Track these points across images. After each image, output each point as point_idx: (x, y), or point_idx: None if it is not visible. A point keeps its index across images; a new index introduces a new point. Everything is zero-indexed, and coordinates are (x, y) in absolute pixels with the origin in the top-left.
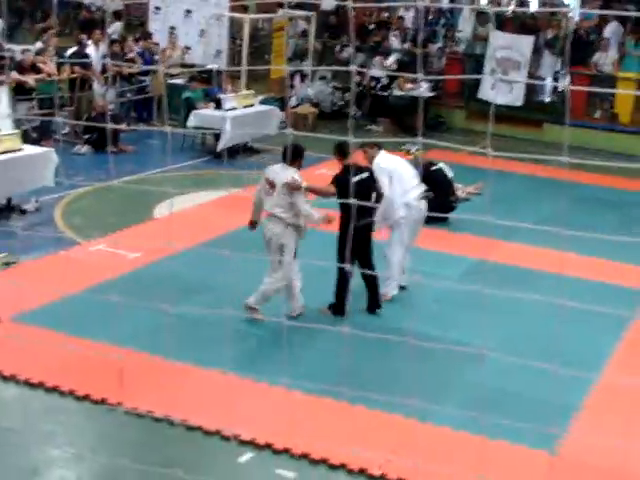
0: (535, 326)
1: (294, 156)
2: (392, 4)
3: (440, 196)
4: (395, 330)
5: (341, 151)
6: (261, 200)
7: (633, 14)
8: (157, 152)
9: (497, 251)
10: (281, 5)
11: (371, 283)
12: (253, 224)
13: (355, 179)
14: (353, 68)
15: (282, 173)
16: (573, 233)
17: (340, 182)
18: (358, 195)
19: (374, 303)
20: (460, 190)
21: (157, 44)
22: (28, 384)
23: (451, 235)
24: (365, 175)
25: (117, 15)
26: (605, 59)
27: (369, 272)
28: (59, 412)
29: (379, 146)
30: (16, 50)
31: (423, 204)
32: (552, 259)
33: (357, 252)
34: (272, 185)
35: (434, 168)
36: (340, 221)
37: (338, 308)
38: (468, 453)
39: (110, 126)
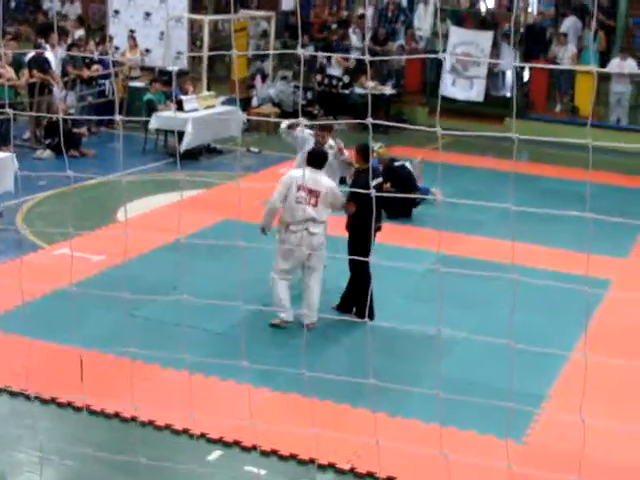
0: (502, 318)
1: (323, 161)
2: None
3: (403, 192)
4: (362, 325)
5: (365, 154)
6: (277, 208)
7: None
8: (118, 155)
9: (461, 245)
10: (242, 5)
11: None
12: (265, 230)
13: (373, 184)
14: (300, 51)
15: (322, 180)
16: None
17: (360, 186)
18: (376, 198)
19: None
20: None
21: (117, 48)
22: None
23: (415, 230)
24: (380, 180)
25: (80, 20)
26: (564, 52)
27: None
28: (25, 416)
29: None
30: None
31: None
32: (517, 251)
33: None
34: (315, 194)
35: (397, 164)
36: (354, 225)
37: (369, 311)
38: (436, 444)
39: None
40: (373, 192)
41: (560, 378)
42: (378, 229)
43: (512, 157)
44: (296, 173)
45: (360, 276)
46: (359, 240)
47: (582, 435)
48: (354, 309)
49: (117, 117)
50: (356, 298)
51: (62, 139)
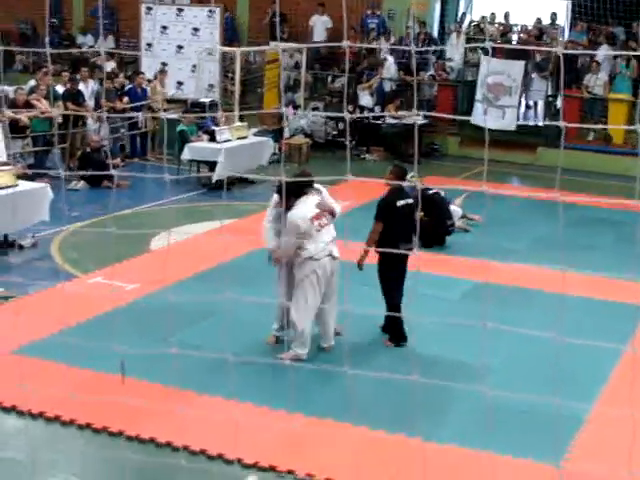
0: (537, 345)
1: (302, 187)
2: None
3: (438, 220)
4: (397, 351)
5: (398, 174)
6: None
7: None
8: (152, 186)
9: (496, 273)
10: (272, 38)
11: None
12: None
13: (402, 203)
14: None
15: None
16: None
17: (388, 205)
18: (402, 219)
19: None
20: (461, 220)
21: (150, 81)
22: (29, 414)
23: (450, 258)
24: (410, 201)
25: (110, 54)
26: (596, 81)
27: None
28: (61, 441)
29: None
30: (9, 90)
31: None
32: (550, 278)
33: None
34: (323, 214)
35: (431, 192)
36: (382, 245)
37: (399, 336)
38: (474, 470)
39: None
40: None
41: (598, 403)
42: (409, 250)
43: (543, 185)
44: (298, 212)
45: (388, 300)
46: (386, 262)
47: (619, 461)
48: (387, 335)
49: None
50: (388, 323)
51: (102, 170)
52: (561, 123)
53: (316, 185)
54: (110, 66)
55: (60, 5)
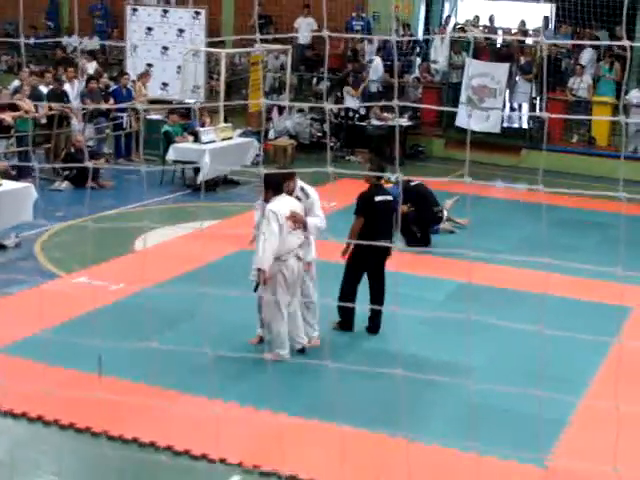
0: (521, 344)
1: (281, 184)
2: (366, 37)
3: (425, 209)
4: (384, 352)
5: (379, 169)
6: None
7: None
8: (136, 187)
9: (480, 273)
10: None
11: (379, 305)
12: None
13: (380, 199)
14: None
15: (293, 203)
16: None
17: (366, 200)
18: (384, 213)
19: (377, 325)
20: (447, 222)
21: (134, 82)
22: (11, 414)
23: (434, 259)
24: (389, 197)
25: (92, 54)
26: (580, 84)
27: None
28: (43, 441)
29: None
30: None
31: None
32: (534, 279)
33: (373, 274)
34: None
35: (414, 183)
36: (359, 237)
37: (346, 323)
38: (458, 470)
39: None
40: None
41: (581, 404)
42: (387, 248)
43: (527, 188)
44: (275, 207)
45: (344, 288)
46: (359, 255)
47: (604, 459)
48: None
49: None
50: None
51: (86, 171)
52: (544, 114)
53: (306, 187)
54: (92, 67)
55: (58, 7)
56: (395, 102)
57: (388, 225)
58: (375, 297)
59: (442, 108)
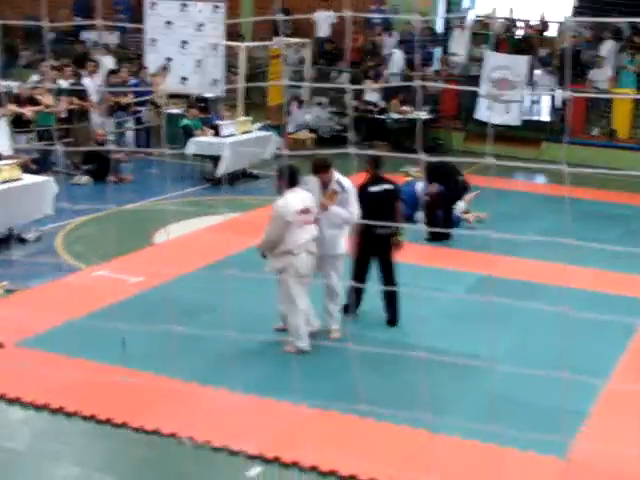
0: (541, 337)
1: (297, 178)
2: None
3: (452, 183)
4: (403, 344)
5: (377, 162)
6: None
7: None
8: (156, 181)
9: (500, 266)
10: (277, 33)
11: (391, 297)
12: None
13: (376, 189)
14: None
15: (306, 196)
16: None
17: (360, 190)
18: (381, 203)
19: (393, 317)
20: (470, 214)
21: (153, 76)
22: (33, 406)
23: (454, 252)
24: (389, 186)
25: (107, 48)
26: (600, 76)
27: (390, 287)
28: (65, 433)
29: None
30: (13, 86)
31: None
32: (555, 272)
33: (380, 264)
34: (310, 212)
35: (437, 162)
36: (359, 228)
37: (348, 307)
38: (479, 461)
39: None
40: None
41: (602, 396)
42: (393, 236)
43: (547, 181)
44: (286, 202)
45: (355, 275)
46: (360, 247)
47: (625, 452)
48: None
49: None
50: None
51: (107, 164)
52: (567, 93)
53: (342, 179)
54: (108, 61)
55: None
56: (418, 82)
57: (385, 215)
58: (385, 287)
59: (467, 88)
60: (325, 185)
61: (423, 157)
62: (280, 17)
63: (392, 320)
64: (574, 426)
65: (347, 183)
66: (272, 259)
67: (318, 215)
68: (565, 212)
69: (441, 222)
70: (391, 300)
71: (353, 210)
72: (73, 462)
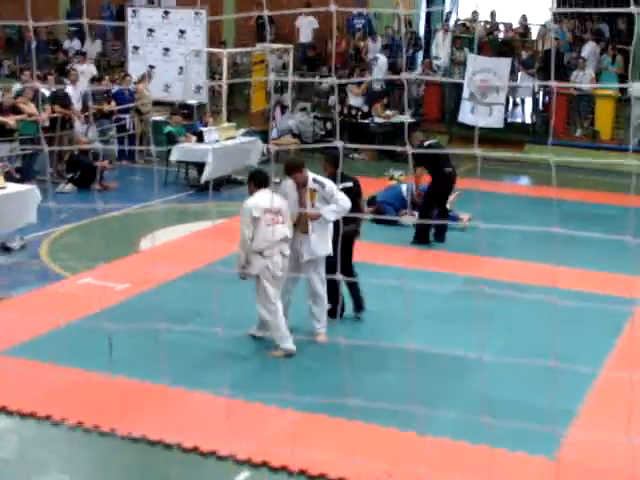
0: (528, 337)
1: (267, 179)
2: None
3: (439, 169)
4: (390, 348)
5: (334, 162)
6: (249, 240)
7: None
8: (140, 188)
9: (486, 267)
10: (260, 40)
11: (354, 287)
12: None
13: (339, 187)
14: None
15: (276, 198)
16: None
17: None
18: None
19: (358, 302)
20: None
21: (136, 83)
22: (19, 414)
23: (439, 254)
24: (350, 184)
25: (83, 55)
26: (582, 77)
27: (351, 278)
28: (52, 441)
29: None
30: None
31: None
32: (541, 272)
33: (342, 260)
34: (280, 212)
35: (427, 142)
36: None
37: (332, 311)
38: (468, 462)
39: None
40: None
41: (590, 395)
42: (356, 233)
43: (531, 183)
44: (253, 201)
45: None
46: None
47: (614, 451)
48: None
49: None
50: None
51: (91, 172)
52: (552, 83)
53: (318, 177)
54: (89, 70)
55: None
56: (404, 75)
57: (354, 208)
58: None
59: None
60: (301, 185)
61: (410, 149)
62: (265, 12)
63: (358, 306)
64: (563, 426)
65: (326, 181)
66: (248, 267)
67: (311, 223)
68: (549, 213)
69: (434, 222)
70: (353, 289)
71: (342, 200)
72: (60, 470)
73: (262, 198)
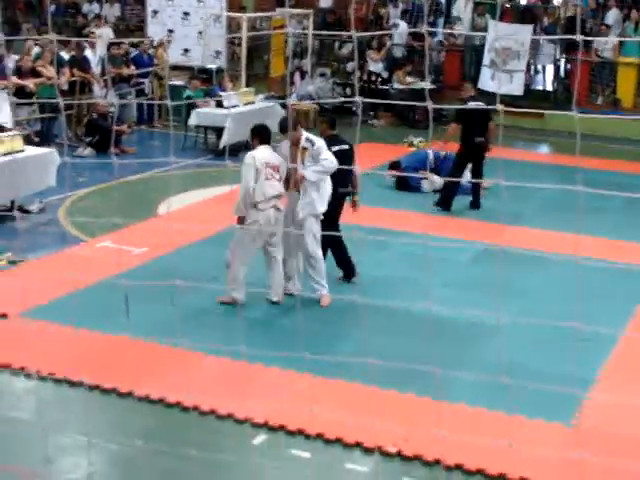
0: (547, 305)
1: (270, 135)
2: None
3: (472, 136)
4: (406, 312)
5: (331, 123)
6: (250, 190)
7: None
8: (159, 152)
9: (505, 235)
10: (280, 4)
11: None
12: (244, 221)
13: (335, 149)
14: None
15: (274, 154)
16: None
17: None
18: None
19: (347, 272)
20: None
21: (155, 47)
22: (38, 376)
23: (459, 221)
24: (346, 147)
25: (99, 18)
26: (605, 44)
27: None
28: (70, 402)
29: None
30: (15, 58)
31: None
32: (561, 241)
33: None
34: (277, 169)
35: (472, 103)
36: None
37: (349, 272)
38: (486, 428)
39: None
40: None
41: (608, 362)
42: (349, 194)
43: (548, 150)
44: (256, 153)
45: (332, 240)
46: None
47: (632, 416)
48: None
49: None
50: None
51: (109, 136)
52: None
53: (311, 136)
54: (101, 32)
55: None
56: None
57: (342, 176)
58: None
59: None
60: (294, 143)
61: (430, 105)
62: None
63: (347, 274)
64: (581, 393)
65: (317, 140)
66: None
67: (300, 185)
68: (571, 181)
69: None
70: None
71: (326, 161)
72: (78, 431)
73: (263, 152)
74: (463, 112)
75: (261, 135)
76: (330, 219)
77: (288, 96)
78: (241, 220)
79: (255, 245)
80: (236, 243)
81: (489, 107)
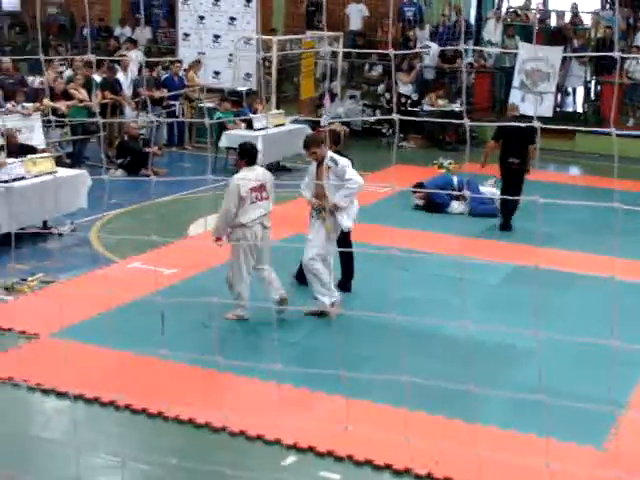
0: (578, 327)
1: (256, 154)
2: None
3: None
4: (438, 335)
5: (335, 138)
6: (232, 214)
7: None
8: (189, 174)
9: (534, 257)
10: (309, 27)
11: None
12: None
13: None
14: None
15: (260, 170)
16: None
17: None
18: None
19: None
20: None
21: (186, 70)
22: (68, 396)
23: (489, 243)
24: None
25: (132, 41)
26: (636, 66)
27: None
28: (100, 422)
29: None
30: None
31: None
32: (593, 262)
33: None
34: (263, 187)
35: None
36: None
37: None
38: (517, 451)
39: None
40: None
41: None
42: None
43: (579, 172)
44: (241, 180)
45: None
46: None
47: None
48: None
49: None
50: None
51: (140, 158)
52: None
53: (335, 156)
54: (136, 55)
55: None
56: None
57: None
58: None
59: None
60: (318, 161)
61: (467, 123)
62: None
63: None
64: (612, 417)
65: (340, 159)
66: (231, 233)
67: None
68: (600, 202)
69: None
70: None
71: (351, 182)
72: (109, 451)
73: (250, 175)
74: (503, 130)
75: (248, 155)
76: (344, 235)
77: (322, 116)
78: (218, 239)
79: (249, 260)
80: (231, 263)
81: (528, 124)
